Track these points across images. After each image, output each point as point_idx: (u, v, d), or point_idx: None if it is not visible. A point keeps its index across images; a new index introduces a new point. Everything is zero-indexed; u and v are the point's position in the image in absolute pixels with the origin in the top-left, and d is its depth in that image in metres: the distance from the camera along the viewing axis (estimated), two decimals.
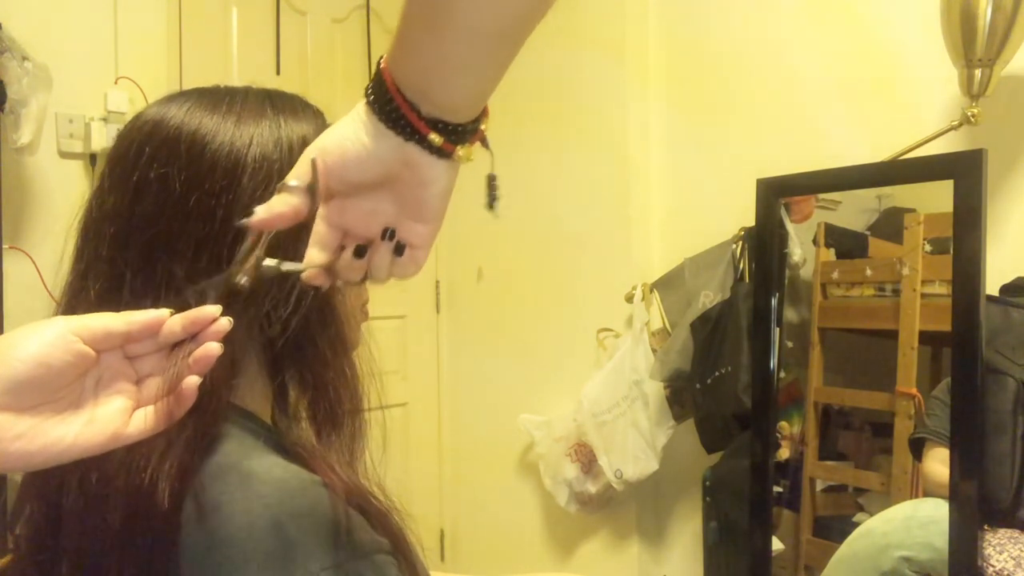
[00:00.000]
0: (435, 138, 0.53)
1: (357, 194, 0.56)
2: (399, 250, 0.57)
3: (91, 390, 0.53)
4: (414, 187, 0.55)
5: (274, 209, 0.54)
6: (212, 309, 0.54)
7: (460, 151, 0.54)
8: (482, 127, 0.55)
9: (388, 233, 0.57)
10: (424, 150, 0.53)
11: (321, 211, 0.56)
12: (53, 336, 0.51)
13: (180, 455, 0.59)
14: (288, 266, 0.57)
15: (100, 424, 0.52)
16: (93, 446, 0.52)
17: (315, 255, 0.57)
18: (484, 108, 0.55)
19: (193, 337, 0.53)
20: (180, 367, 0.53)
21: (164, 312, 0.54)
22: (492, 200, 0.61)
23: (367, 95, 0.54)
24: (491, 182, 0.60)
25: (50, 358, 0.50)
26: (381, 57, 0.53)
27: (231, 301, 0.56)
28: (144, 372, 0.55)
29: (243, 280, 0.55)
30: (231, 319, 0.54)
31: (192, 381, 0.52)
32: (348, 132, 0.54)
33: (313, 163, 0.54)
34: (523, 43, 0.52)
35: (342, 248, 0.58)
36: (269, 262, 0.56)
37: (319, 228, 0.57)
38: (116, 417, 0.53)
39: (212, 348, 0.52)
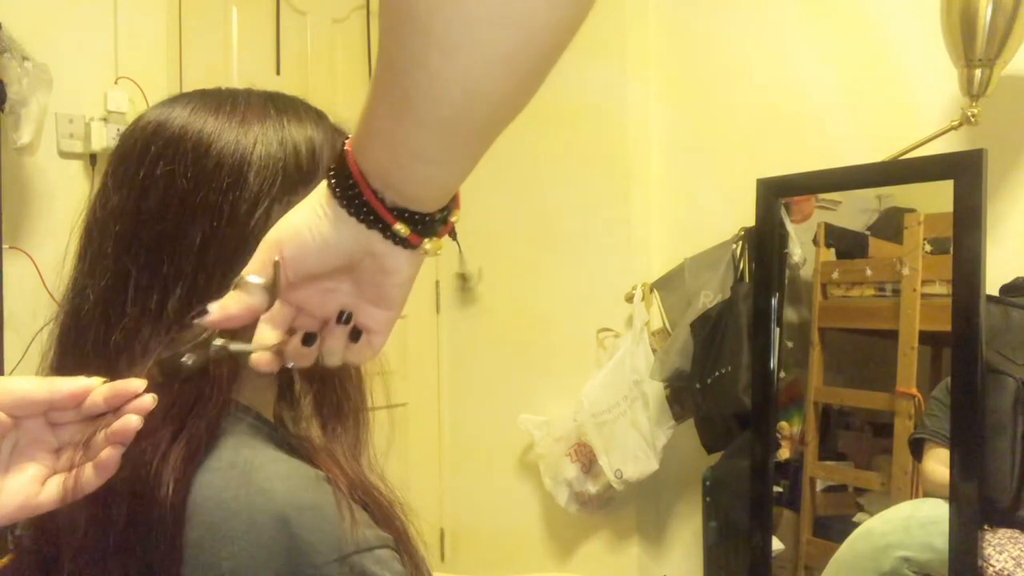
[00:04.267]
0: (401, 229, 0.49)
1: (316, 278, 0.53)
2: (355, 335, 0.55)
3: (5, 455, 0.52)
4: (375, 274, 0.52)
5: (229, 309, 0.52)
6: (136, 383, 0.52)
7: (427, 244, 0.51)
8: (452, 219, 0.52)
9: (344, 316, 0.54)
10: (388, 240, 0.50)
11: None
12: None
13: (184, 450, 0.59)
14: (236, 347, 0.55)
15: (7, 494, 0.51)
16: None
17: (266, 334, 0.54)
18: (455, 197, 0.52)
19: (116, 409, 0.52)
20: (98, 439, 0.52)
21: (92, 381, 0.52)
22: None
23: (329, 178, 0.50)
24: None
25: None
26: (346, 139, 0.50)
27: (177, 379, 0.56)
28: (65, 439, 0.53)
29: (190, 361, 0.55)
30: (155, 397, 0.53)
31: (110, 453, 0.51)
32: (307, 221, 0.51)
33: (276, 264, 0.52)
34: (494, 139, 0.48)
35: (292, 331, 0.55)
36: (217, 342, 0.55)
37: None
38: (26, 486, 0.51)
39: (131, 422, 0.51)
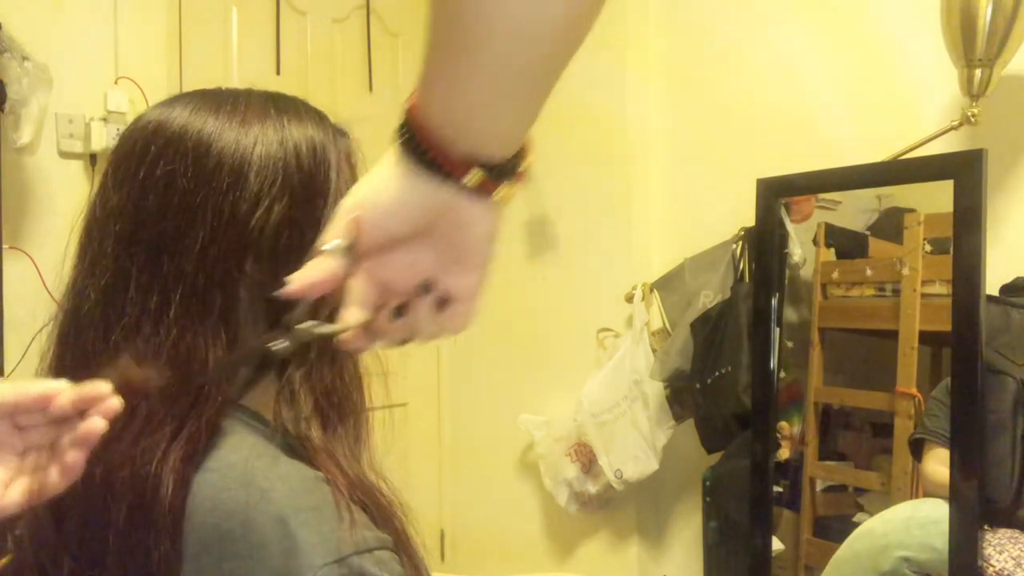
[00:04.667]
0: (473, 177, 0.49)
1: (395, 247, 0.52)
2: (441, 305, 0.53)
3: None
4: (453, 232, 0.51)
5: (310, 277, 0.51)
6: (103, 388, 0.52)
7: (500, 192, 0.50)
8: (523, 166, 0.51)
9: (427, 286, 0.53)
10: (461, 191, 0.49)
11: None
12: None
13: (183, 450, 0.59)
14: (324, 329, 0.53)
15: None
16: None
17: (352, 315, 0.53)
18: (525, 144, 0.51)
19: (82, 413, 0.52)
20: (64, 442, 0.52)
21: (59, 385, 0.52)
22: None
23: (399, 136, 0.50)
24: None
25: None
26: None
27: (265, 367, 0.55)
28: (33, 442, 0.53)
29: (278, 348, 0.53)
30: (122, 400, 0.52)
31: (76, 456, 0.51)
32: (380, 183, 0.50)
33: (352, 222, 0.51)
34: (554, 80, 0.47)
35: (379, 307, 0.53)
36: (303, 325, 0.53)
37: (355, 284, 0.53)
38: None
39: (96, 424, 0.51)
